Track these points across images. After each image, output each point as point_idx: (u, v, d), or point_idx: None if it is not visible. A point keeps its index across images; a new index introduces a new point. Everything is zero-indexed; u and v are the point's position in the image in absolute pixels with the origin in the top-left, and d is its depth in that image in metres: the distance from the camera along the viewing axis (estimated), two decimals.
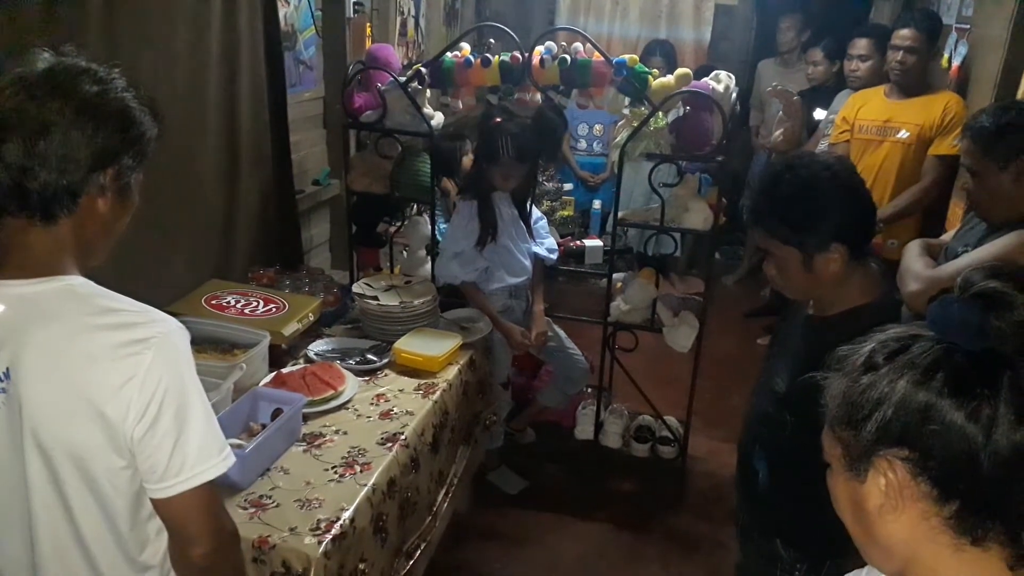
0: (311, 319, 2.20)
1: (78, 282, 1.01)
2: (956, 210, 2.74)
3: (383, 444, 1.79)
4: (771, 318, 4.12)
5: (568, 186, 3.70)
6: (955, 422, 0.63)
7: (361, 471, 1.68)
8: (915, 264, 1.83)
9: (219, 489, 1.07)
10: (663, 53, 3.86)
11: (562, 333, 2.79)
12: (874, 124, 2.96)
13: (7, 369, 0.98)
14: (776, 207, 1.39)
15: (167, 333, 1.01)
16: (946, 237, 2.06)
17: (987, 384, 0.63)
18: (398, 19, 3.53)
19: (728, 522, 1.77)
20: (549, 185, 3.39)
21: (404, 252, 2.87)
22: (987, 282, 0.66)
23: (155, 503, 1.03)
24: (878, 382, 0.68)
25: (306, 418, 1.86)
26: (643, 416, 3.05)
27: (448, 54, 2.52)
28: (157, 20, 1.95)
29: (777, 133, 3.53)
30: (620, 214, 2.61)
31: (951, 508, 0.65)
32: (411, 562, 1.84)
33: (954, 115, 2.78)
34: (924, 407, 0.64)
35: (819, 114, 3.55)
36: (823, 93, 3.69)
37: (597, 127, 4.11)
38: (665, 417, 2.92)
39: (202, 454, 1.02)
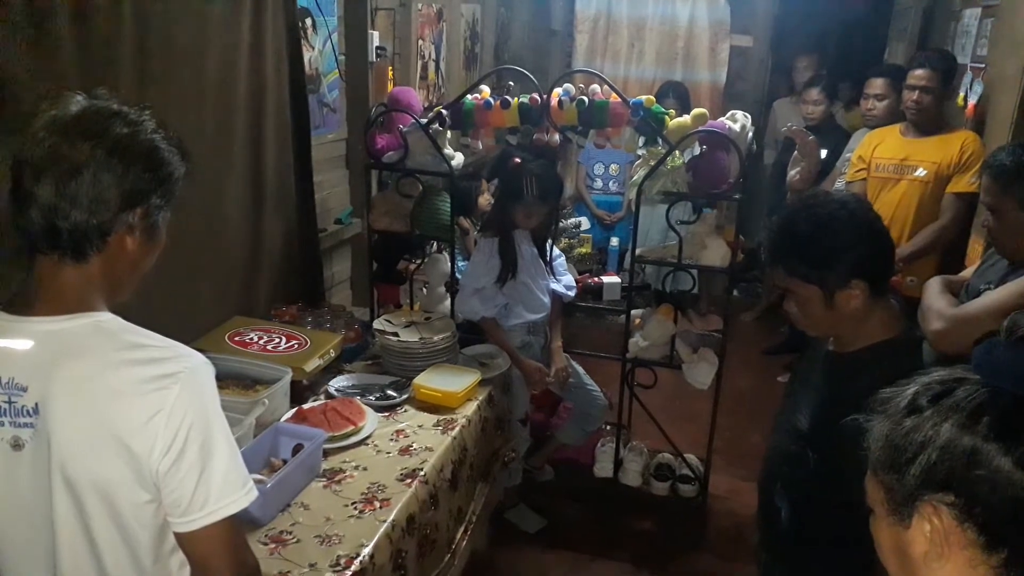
0: (332, 355, 2.22)
1: (106, 318, 1.03)
2: (975, 247, 2.73)
3: (402, 480, 1.79)
4: (791, 355, 4.09)
5: (584, 221, 3.72)
6: (1002, 468, 0.61)
7: (381, 507, 1.68)
8: (937, 302, 1.81)
9: (242, 524, 1.08)
10: (676, 95, 3.90)
11: (581, 369, 2.78)
12: (891, 162, 2.97)
13: (36, 404, 1.00)
14: (795, 246, 1.39)
15: (194, 368, 1.03)
16: (966, 274, 2.05)
17: None
18: (419, 63, 3.62)
19: (749, 562, 1.74)
20: (569, 222, 3.42)
21: (424, 289, 2.90)
22: None
23: (178, 537, 1.04)
24: (922, 425, 0.66)
25: (326, 454, 1.87)
26: (663, 454, 3.02)
27: (468, 96, 2.58)
28: (187, 64, 2.01)
29: (793, 172, 3.54)
30: (638, 251, 2.63)
31: (1000, 557, 0.62)
32: None
33: (971, 153, 2.79)
34: (970, 451, 0.62)
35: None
36: (819, 133, 3.67)
37: (613, 167, 4.15)
38: (685, 455, 2.89)
39: (226, 488, 1.03)
